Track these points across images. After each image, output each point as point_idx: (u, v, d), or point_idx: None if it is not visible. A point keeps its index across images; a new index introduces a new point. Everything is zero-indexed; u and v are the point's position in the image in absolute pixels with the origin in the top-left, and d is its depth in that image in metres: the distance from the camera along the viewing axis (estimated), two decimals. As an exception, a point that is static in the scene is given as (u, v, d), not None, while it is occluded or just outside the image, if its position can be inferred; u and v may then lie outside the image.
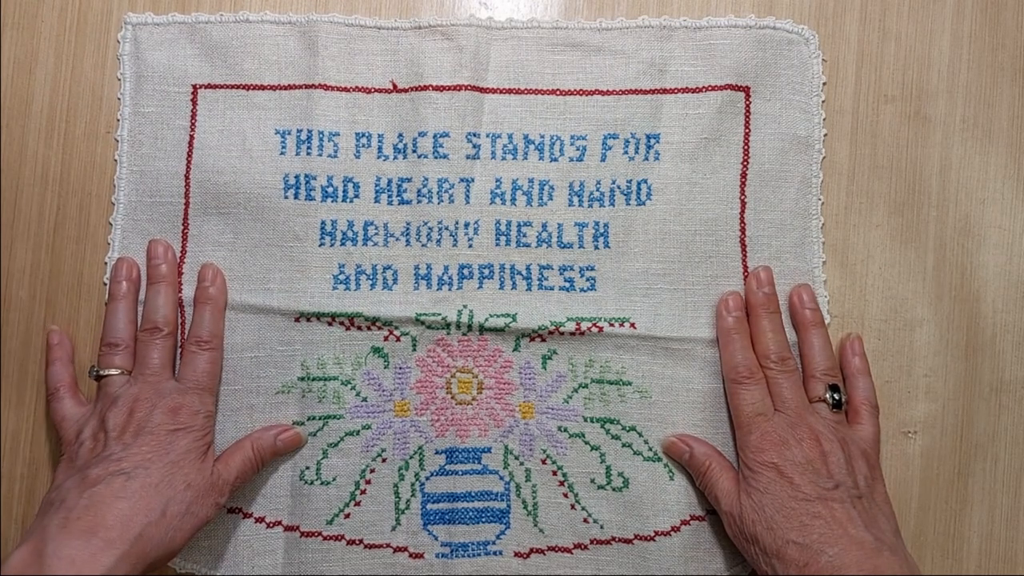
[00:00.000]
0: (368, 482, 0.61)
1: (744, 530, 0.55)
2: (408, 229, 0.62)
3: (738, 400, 0.58)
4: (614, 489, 0.61)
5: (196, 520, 0.54)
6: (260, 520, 0.61)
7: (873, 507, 0.54)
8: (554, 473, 0.61)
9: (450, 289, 0.61)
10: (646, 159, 0.62)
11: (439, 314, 0.61)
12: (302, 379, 0.61)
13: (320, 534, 0.61)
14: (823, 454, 0.55)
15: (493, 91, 0.62)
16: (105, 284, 0.62)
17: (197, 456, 0.56)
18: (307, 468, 0.61)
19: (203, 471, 0.56)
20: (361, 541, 0.61)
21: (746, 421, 0.57)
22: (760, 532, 0.54)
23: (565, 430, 0.61)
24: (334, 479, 0.61)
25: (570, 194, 0.62)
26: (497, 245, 0.62)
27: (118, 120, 0.63)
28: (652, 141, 0.62)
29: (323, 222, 0.62)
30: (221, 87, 0.63)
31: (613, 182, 0.62)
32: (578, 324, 0.61)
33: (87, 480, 0.52)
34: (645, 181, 0.62)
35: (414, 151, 0.62)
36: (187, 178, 0.62)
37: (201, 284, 0.61)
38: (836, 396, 0.58)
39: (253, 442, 0.59)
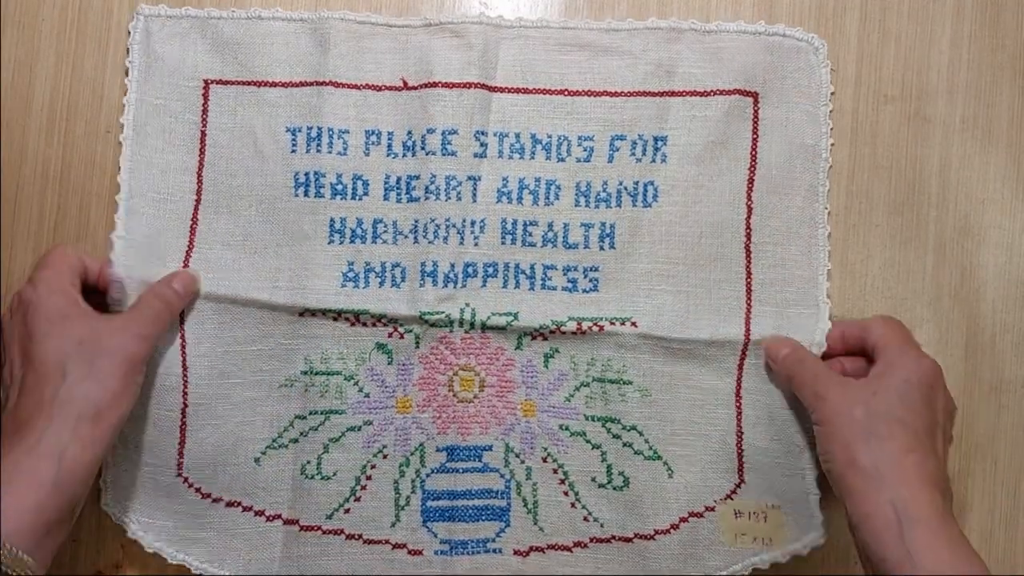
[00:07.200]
0: (369, 478, 0.61)
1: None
2: (416, 226, 0.62)
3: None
4: (614, 488, 0.61)
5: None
6: (260, 514, 0.61)
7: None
8: (555, 471, 0.61)
9: (455, 287, 0.61)
10: (653, 161, 0.62)
11: (443, 312, 0.61)
12: (305, 373, 0.61)
13: (320, 528, 0.61)
14: None
15: (501, 90, 0.62)
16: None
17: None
18: (308, 462, 0.61)
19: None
20: (360, 536, 0.61)
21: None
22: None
23: (566, 429, 0.61)
24: (335, 474, 0.61)
25: (576, 194, 0.62)
26: (503, 244, 0.62)
27: (124, 105, 0.62)
28: (659, 143, 0.62)
29: (332, 220, 0.61)
30: (232, 83, 0.62)
31: (620, 183, 0.62)
32: (579, 323, 0.61)
33: None
34: (652, 183, 0.62)
35: (422, 148, 0.62)
36: (199, 175, 0.62)
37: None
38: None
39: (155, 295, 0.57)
